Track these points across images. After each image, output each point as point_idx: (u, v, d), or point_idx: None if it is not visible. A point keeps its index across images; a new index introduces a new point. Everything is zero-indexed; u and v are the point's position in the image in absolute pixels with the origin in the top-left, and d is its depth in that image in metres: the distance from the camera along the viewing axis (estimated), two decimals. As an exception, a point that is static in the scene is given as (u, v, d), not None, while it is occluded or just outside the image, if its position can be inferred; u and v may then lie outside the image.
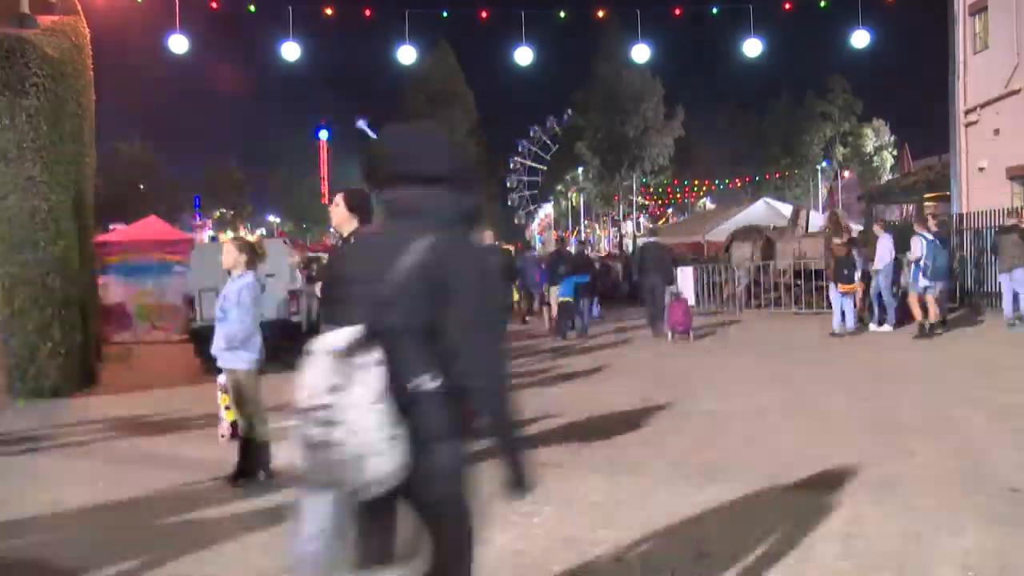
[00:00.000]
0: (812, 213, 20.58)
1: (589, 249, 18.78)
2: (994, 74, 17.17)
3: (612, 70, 44.38)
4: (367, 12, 21.54)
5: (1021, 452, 5.15)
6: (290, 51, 20.37)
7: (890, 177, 47.00)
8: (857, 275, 11.97)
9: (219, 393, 5.21)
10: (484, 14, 21.99)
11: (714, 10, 22.16)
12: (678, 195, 55.15)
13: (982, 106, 17.67)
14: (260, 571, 3.57)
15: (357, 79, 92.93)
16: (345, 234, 4.92)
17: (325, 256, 12.02)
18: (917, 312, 11.27)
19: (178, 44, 18.70)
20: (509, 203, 67.05)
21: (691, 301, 14.98)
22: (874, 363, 9.15)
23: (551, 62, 50.00)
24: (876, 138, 53.69)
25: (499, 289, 2.61)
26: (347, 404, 1.83)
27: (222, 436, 5.26)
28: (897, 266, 12.15)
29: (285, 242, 13.39)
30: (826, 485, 4.55)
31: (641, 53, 23.75)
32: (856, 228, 13.70)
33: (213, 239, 29.42)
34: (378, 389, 1.85)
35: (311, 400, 1.87)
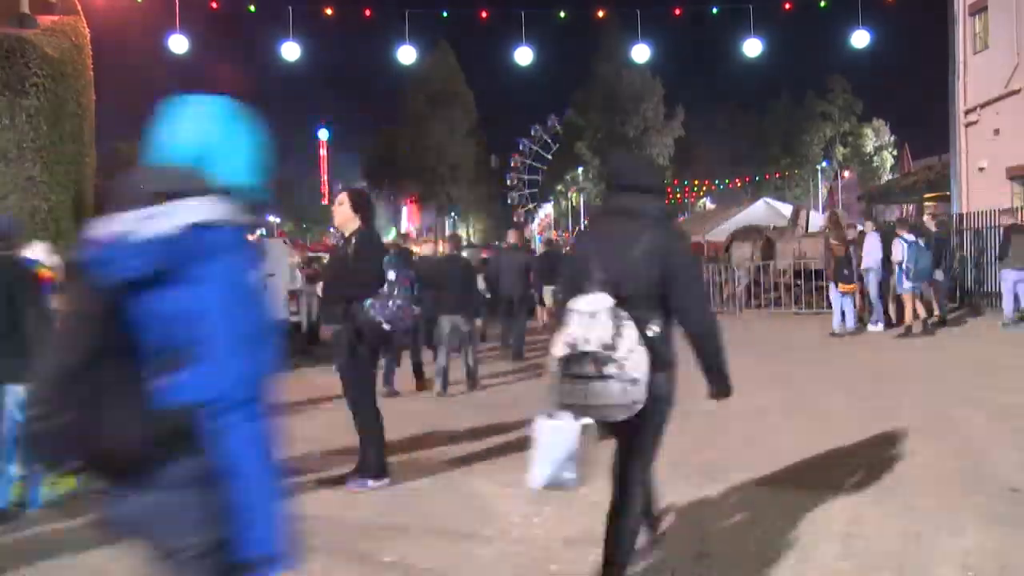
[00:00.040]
0: (812, 213, 20.57)
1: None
2: (994, 74, 17.17)
3: (612, 70, 44.44)
4: (367, 12, 21.58)
5: (1021, 452, 5.15)
6: (290, 51, 20.40)
7: (890, 177, 47.00)
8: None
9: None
10: (484, 14, 22.02)
11: (714, 10, 22.21)
12: (678, 195, 55.16)
13: (982, 106, 17.67)
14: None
15: (357, 79, 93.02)
16: (347, 233, 4.91)
17: (326, 256, 12.01)
18: (910, 311, 11.29)
19: (178, 44, 18.72)
20: (509, 201, 67.07)
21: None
22: (874, 363, 9.15)
23: (551, 62, 50.05)
24: (876, 138, 53.69)
25: (700, 265, 3.98)
26: (622, 347, 2.61)
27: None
28: (887, 266, 12.17)
29: (285, 242, 13.39)
30: (826, 485, 4.55)
31: (641, 53, 23.79)
32: (859, 228, 13.68)
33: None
34: (637, 336, 2.65)
35: (588, 345, 2.63)
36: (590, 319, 2.65)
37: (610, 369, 2.60)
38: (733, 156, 51.04)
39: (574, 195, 59.10)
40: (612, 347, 2.61)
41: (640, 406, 2.65)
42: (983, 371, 8.35)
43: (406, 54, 21.39)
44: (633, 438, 2.88)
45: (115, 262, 1.55)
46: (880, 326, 12.09)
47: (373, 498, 4.61)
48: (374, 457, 4.79)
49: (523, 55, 21.58)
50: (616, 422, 2.73)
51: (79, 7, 11.66)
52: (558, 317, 2.88)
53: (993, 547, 3.59)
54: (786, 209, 24.83)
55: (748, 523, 4.01)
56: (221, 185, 1.68)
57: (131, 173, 1.70)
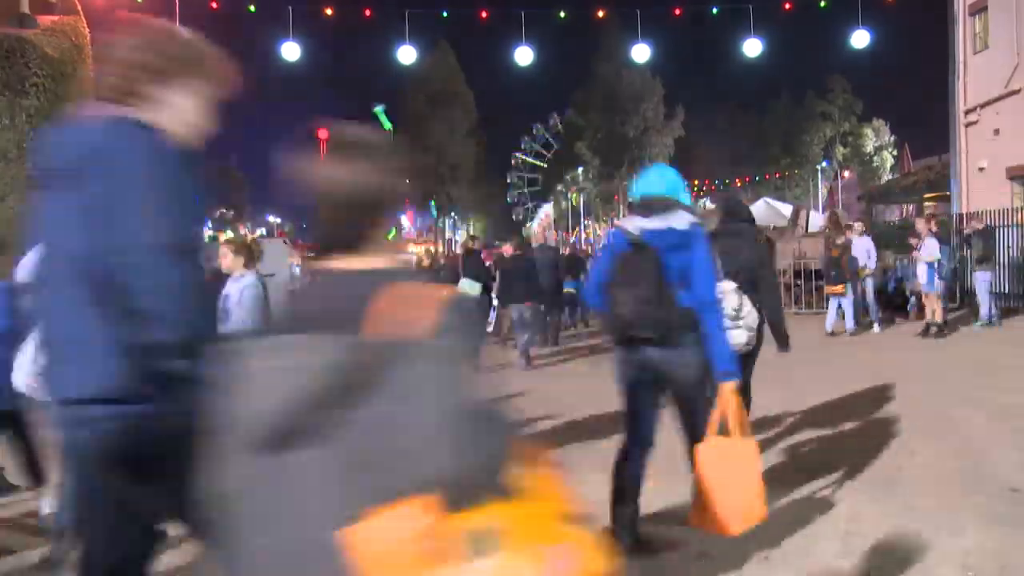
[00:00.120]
0: (812, 213, 20.59)
1: (566, 248, 19.20)
2: (994, 74, 17.18)
3: (612, 70, 44.43)
4: (367, 12, 21.57)
5: (1021, 452, 5.15)
6: (290, 51, 20.41)
7: (890, 177, 47.03)
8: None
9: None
10: (484, 14, 22.01)
11: (714, 10, 22.22)
12: (678, 195, 55.07)
13: (982, 106, 17.68)
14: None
15: (357, 79, 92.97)
16: None
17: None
18: (937, 311, 11.33)
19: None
20: (508, 200, 67.08)
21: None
22: (874, 363, 9.15)
23: (551, 62, 50.04)
24: (876, 138, 53.72)
25: (773, 264, 5.83)
26: (745, 310, 4.30)
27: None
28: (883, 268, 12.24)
29: (285, 242, 13.40)
30: (826, 485, 4.55)
31: (641, 53, 23.78)
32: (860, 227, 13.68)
33: (213, 239, 29.39)
34: (750, 304, 4.35)
35: (727, 311, 4.07)
36: (723, 295, 3.98)
37: (739, 322, 4.25)
38: (733, 156, 51.04)
39: (574, 195, 59.11)
40: (739, 310, 4.26)
41: (753, 345, 4.46)
42: (983, 371, 8.35)
43: (406, 54, 21.40)
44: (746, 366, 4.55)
45: (663, 238, 3.27)
46: (878, 327, 12.11)
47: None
48: None
49: (523, 55, 21.58)
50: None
51: (79, 7, 11.66)
52: None
53: (993, 547, 3.59)
54: (786, 209, 24.82)
55: (748, 523, 4.00)
56: (687, 204, 3.42)
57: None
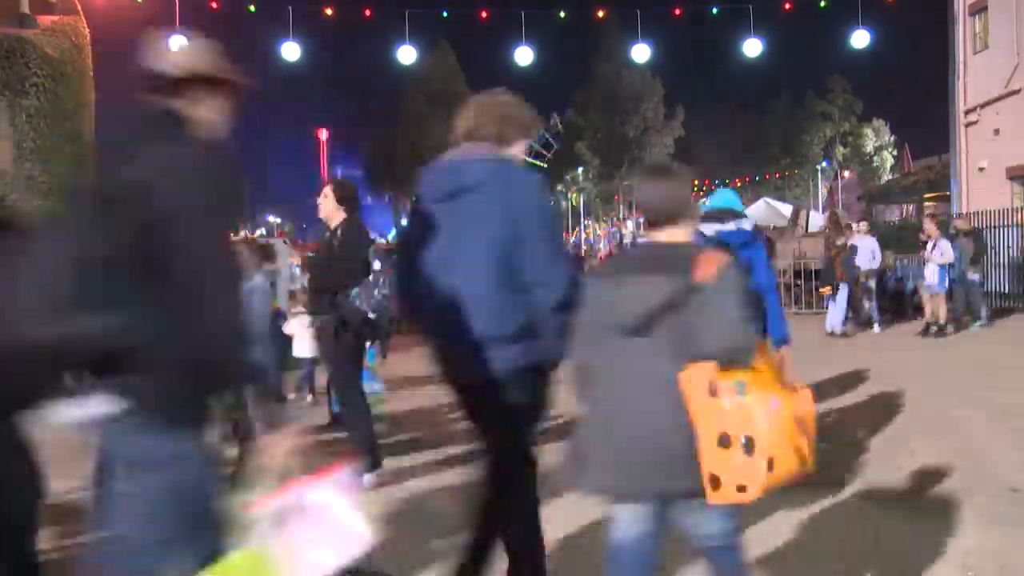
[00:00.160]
0: (812, 213, 20.60)
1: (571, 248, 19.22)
2: (994, 74, 17.19)
3: (612, 70, 44.41)
4: (367, 12, 21.57)
5: (1021, 452, 5.16)
6: (290, 51, 20.40)
7: (890, 177, 47.06)
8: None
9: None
10: (484, 14, 22.01)
11: (714, 10, 22.21)
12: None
13: (982, 106, 17.69)
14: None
15: (357, 79, 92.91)
16: (332, 225, 4.89)
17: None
18: (944, 312, 11.33)
19: (178, 44, 18.73)
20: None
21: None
22: (874, 363, 9.14)
23: (551, 62, 49.90)
24: (876, 138, 53.72)
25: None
26: None
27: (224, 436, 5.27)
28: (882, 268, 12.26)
29: (285, 242, 13.41)
30: (826, 485, 4.54)
31: (641, 53, 23.77)
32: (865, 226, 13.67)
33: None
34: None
35: None
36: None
37: None
38: (733, 156, 51.03)
39: (574, 195, 59.09)
40: None
41: None
42: (983, 371, 8.35)
43: (406, 54, 21.39)
44: None
45: (734, 238, 4.23)
46: (878, 327, 12.12)
47: (373, 495, 4.60)
48: (366, 448, 4.75)
49: (523, 55, 21.57)
50: None
51: (79, 7, 11.67)
52: None
53: (993, 547, 3.59)
54: (786, 209, 24.85)
55: (748, 523, 4.00)
56: (745, 214, 4.38)
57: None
